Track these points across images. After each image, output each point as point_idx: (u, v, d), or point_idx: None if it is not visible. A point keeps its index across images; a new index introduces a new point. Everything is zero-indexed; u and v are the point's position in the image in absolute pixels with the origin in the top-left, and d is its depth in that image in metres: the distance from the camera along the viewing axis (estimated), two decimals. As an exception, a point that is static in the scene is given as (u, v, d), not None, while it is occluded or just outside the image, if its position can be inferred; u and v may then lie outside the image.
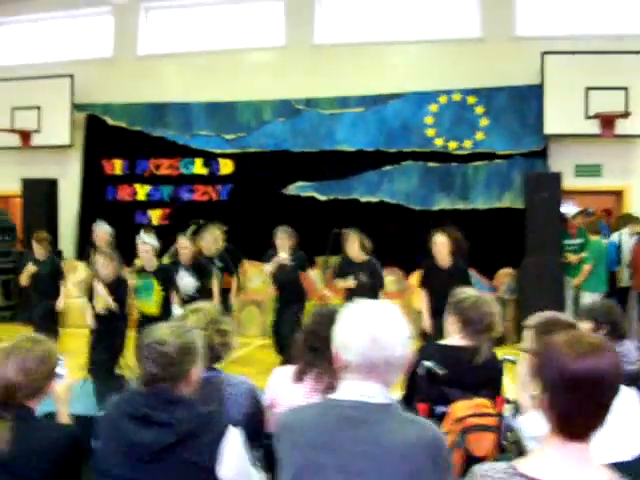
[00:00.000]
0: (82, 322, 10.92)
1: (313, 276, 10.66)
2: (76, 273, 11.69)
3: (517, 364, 3.42)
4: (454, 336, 3.92)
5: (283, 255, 8.33)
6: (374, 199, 11.25)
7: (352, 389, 2.15)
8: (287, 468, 2.17)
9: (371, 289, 7.96)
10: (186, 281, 8.12)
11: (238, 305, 10.73)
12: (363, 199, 11.29)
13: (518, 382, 3.24)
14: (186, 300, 7.96)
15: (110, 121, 12.53)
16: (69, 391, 2.87)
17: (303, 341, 3.28)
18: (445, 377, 3.69)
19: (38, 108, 12.52)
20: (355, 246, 8.06)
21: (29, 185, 12.19)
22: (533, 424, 3.02)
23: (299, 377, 3.20)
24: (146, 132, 12.33)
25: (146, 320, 7.63)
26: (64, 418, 2.81)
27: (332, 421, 2.14)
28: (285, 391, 3.21)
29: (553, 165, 10.71)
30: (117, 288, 7.18)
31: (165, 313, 7.55)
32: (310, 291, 9.48)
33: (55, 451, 2.51)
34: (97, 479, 2.49)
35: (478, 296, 3.97)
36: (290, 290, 8.52)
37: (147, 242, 7.70)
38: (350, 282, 7.98)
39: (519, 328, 9.18)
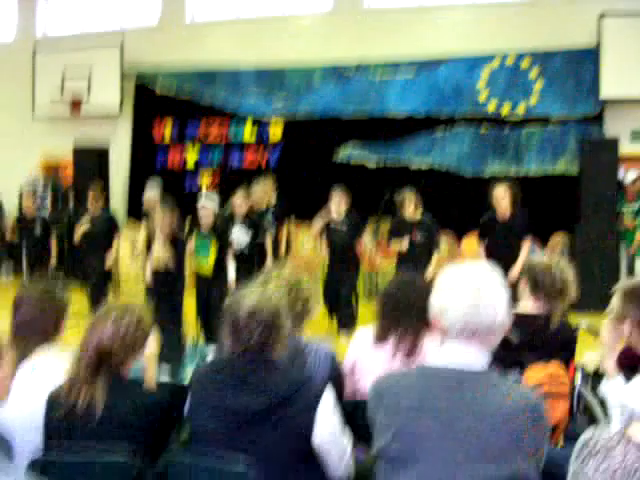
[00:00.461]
0: (136, 291, 11.17)
1: (364, 242, 10.66)
2: (127, 241, 11.83)
3: (600, 329, 3.37)
4: (527, 301, 3.89)
5: (334, 215, 8.33)
6: (425, 165, 11.15)
7: (452, 354, 2.14)
8: (384, 432, 2.17)
9: (426, 249, 7.98)
10: (239, 236, 8.19)
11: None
12: (414, 165, 11.19)
13: (602, 348, 3.19)
14: (239, 255, 8.09)
15: (159, 88, 12.57)
16: (155, 357, 2.90)
17: (382, 305, 3.28)
18: (519, 343, 3.67)
19: (88, 76, 12.61)
20: (412, 206, 8.09)
21: (80, 152, 12.32)
22: (617, 391, 2.99)
23: (381, 339, 3.20)
24: (195, 98, 12.35)
25: (201, 280, 7.76)
26: (151, 384, 2.85)
27: (433, 386, 2.14)
28: (365, 355, 3.22)
29: (609, 130, 10.47)
30: (175, 245, 7.26)
31: (219, 272, 7.68)
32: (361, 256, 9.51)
33: (147, 417, 2.54)
34: (192, 443, 2.52)
35: (552, 261, 3.93)
36: (345, 254, 8.49)
37: (207, 206, 7.76)
38: (404, 244, 7.99)
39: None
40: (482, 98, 10.90)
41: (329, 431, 2.43)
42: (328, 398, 2.45)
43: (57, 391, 2.58)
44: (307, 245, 10.91)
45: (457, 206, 10.64)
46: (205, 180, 12.31)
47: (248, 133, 12.08)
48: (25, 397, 2.68)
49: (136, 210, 12.08)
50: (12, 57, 13.42)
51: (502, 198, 7.56)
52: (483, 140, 10.94)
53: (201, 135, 12.36)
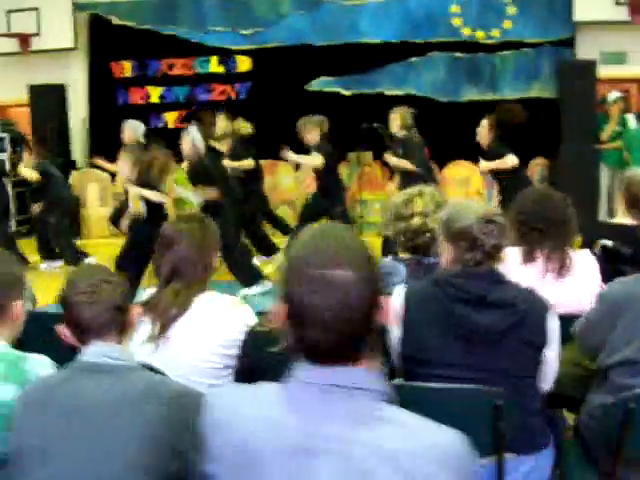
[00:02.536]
0: (103, 232, 10.86)
1: (343, 173, 10.55)
2: (94, 182, 11.45)
3: None
4: (623, 216, 3.91)
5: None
6: (400, 92, 10.96)
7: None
8: (628, 342, 2.16)
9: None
10: None
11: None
12: (389, 92, 11.00)
13: None
14: None
15: (116, 20, 11.90)
16: None
17: (521, 222, 3.21)
18: (625, 255, 3.70)
19: (36, 9, 11.86)
20: (395, 122, 8.09)
21: (36, 92, 11.68)
22: None
23: (530, 258, 3.15)
24: (156, 30, 11.74)
25: None
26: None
27: None
28: (515, 273, 3.15)
29: (580, 54, 10.57)
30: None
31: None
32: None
33: None
34: (409, 364, 2.41)
35: None
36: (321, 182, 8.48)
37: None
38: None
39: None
40: (456, 24, 10.79)
41: (557, 346, 2.38)
42: (554, 314, 2.39)
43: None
44: (287, 180, 10.78)
45: (434, 132, 10.58)
46: (171, 116, 11.88)
47: (215, 66, 11.64)
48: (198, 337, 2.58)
49: (99, 148, 11.63)
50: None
51: (481, 128, 7.81)
52: (458, 66, 10.87)
53: (164, 69, 11.84)
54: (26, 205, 11.55)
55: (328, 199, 8.38)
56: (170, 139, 8.95)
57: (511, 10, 10.63)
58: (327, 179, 8.42)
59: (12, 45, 11.99)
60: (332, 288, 1.28)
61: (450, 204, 2.64)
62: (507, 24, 10.66)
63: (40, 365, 2.14)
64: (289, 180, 10.76)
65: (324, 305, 1.28)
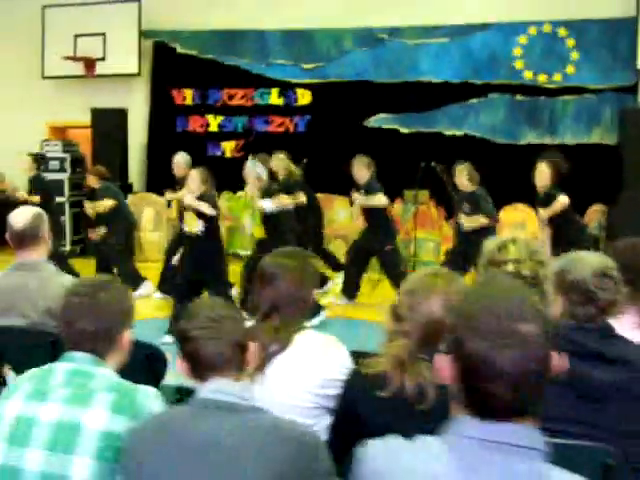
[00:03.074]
0: (156, 256, 10.96)
1: (398, 211, 10.57)
2: (149, 206, 11.59)
3: None
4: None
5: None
6: (459, 132, 11.02)
7: None
8: None
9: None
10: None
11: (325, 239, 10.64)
12: (447, 132, 11.05)
13: None
14: None
15: (179, 49, 12.16)
16: None
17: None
18: None
19: (103, 35, 12.15)
20: (461, 177, 8.25)
21: (99, 115, 11.92)
22: None
23: (620, 310, 3.09)
24: (218, 61, 11.96)
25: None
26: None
27: None
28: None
29: (644, 101, 10.51)
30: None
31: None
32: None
33: None
34: None
35: None
36: (369, 219, 8.50)
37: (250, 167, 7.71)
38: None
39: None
40: (518, 66, 10.79)
41: None
42: None
43: (369, 367, 2.37)
44: (342, 214, 10.80)
45: (491, 174, 10.53)
46: (229, 145, 12.01)
47: (275, 98, 11.79)
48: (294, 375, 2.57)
49: (156, 173, 11.84)
50: (19, 10, 12.75)
51: (540, 172, 7.63)
52: (518, 109, 10.85)
53: (224, 98, 12.02)
54: (80, 226, 11.73)
55: (378, 237, 8.41)
56: (227, 168, 9.09)
57: (574, 55, 10.61)
58: (377, 217, 8.46)
59: (77, 68, 12.29)
60: (519, 342, 1.28)
61: (565, 255, 2.61)
62: (570, 69, 10.62)
63: (151, 398, 2.14)
64: (345, 214, 10.76)
65: (510, 360, 1.27)
